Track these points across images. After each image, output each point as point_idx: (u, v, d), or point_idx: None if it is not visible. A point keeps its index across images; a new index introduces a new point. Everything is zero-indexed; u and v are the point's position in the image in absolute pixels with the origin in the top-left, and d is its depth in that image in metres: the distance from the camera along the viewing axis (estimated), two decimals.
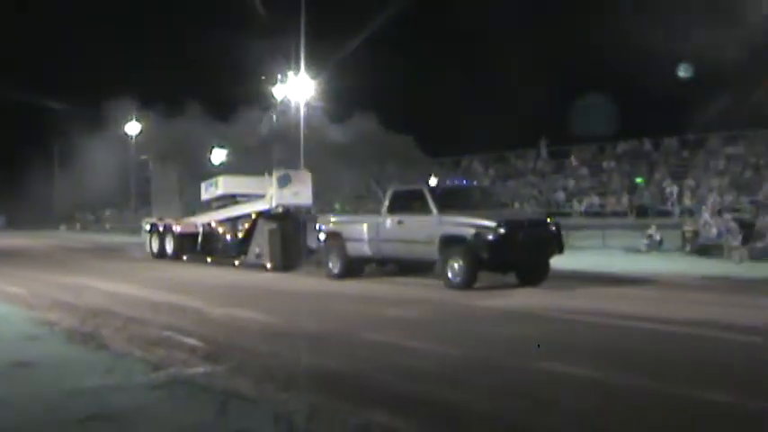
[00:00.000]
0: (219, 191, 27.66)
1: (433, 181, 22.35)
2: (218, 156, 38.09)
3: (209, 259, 27.08)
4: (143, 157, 33.96)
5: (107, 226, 65.16)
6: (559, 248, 18.72)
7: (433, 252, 18.29)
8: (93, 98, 57.97)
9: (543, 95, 47.15)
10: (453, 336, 11.89)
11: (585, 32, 43.87)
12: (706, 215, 27.66)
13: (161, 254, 29.49)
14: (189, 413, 7.16)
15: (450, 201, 19.27)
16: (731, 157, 34.68)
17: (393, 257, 20.53)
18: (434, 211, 18.56)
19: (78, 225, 68.98)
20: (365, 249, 20.46)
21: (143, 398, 7.67)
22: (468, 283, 17.48)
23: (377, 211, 20.86)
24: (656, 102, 42.16)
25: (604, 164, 40.17)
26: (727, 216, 27.18)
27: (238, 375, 8.66)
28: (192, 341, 10.98)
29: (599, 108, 40.77)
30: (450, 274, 17.75)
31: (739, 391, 8.01)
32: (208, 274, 23.41)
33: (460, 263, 17.59)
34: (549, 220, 20.89)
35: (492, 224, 17.46)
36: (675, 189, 33.25)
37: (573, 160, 42.18)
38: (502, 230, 17.32)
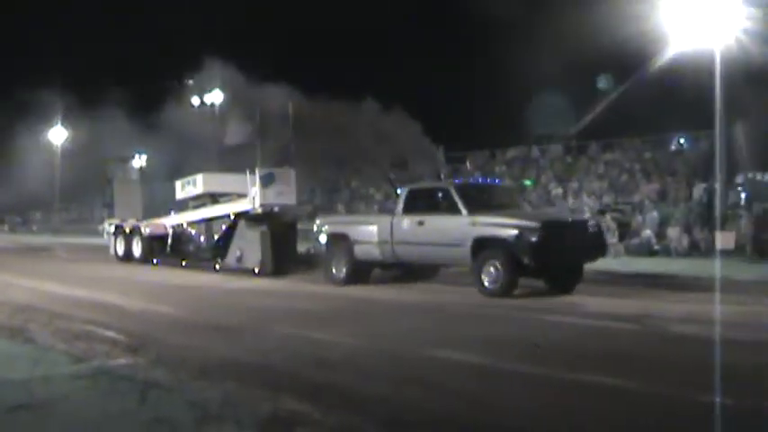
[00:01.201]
0: (198, 190, 24.41)
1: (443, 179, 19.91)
2: (139, 161, 36.75)
3: (183, 262, 24.02)
4: (108, 158, 31.62)
5: (34, 228, 63.75)
6: (602, 251, 16.65)
7: (463, 255, 15.86)
8: (20, 98, 55.90)
9: (444, 105, 47.65)
10: None
11: (479, 48, 44.41)
12: (587, 215, 28.33)
13: (128, 256, 26.34)
14: (111, 402, 7.09)
15: (477, 200, 16.77)
16: (608, 162, 35.48)
17: (410, 261, 17.90)
18: (464, 211, 16.05)
19: (6, 227, 67.24)
20: (376, 253, 17.77)
21: (68, 388, 7.59)
22: (507, 289, 15.17)
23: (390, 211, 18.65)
24: (543, 111, 42.79)
25: (496, 168, 40.66)
26: (606, 215, 27.85)
27: (158, 366, 8.63)
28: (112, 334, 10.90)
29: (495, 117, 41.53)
30: (486, 281, 15.37)
31: (619, 373, 8.34)
32: (178, 279, 20.52)
33: (499, 267, 15.18)
34: (589, 220, 18.51)
35: (535, 225, 15.16)
36: (560, 191, 33.91)
37: (468, 165, 42.64)
38: (547, 232, 15.03)
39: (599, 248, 16.46)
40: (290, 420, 6.57)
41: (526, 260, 15.05)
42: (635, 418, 6.85)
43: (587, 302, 14.71)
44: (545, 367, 8.68)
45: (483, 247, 15.58)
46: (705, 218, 26.50)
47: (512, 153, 41.45)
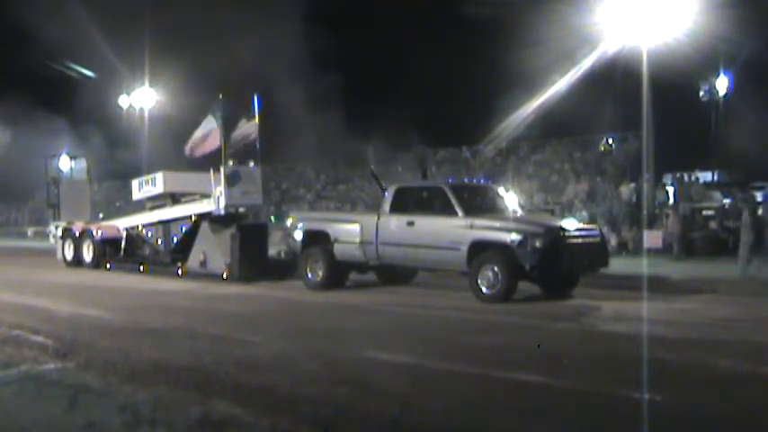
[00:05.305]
0: (158, 189, 22.79)
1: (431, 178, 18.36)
2: (66, 164, 35.46)
3: (141, 267, 22.31)
4: (53, 155, 30.10)
5: None
6: (605, 262, 15.73)
7: (458, 259, 15.07)
8: None
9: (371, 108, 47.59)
10: None
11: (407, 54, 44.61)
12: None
13: (77, 261, 24.75)
14: (40, 407, 6.99)
15: (471, 201, 16.16)
16: (538, 162, 35.95)
17: (395, 264, 17.06)
18: (460, 213, 15.30)
19: None
20: (358, 253, 16.77)
21: None
22: (506, 295, 14.49)
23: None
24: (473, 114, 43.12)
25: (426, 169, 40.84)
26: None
27: (87, 370, 8.49)
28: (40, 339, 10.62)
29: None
30: (483, 286, 14.65)
31: (551, 371, 8.46)
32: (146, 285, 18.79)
33: (498, 273, 14.47)
34: (593, 227, 17.08)
35: (539, 230, 14.71)
36: None
37: (399, 168, 42.74)
38: (551, 238, 14.59)
39: (601, 259, 15.71)
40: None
41: (528, 266, 14.50)
42: (564, 416, 6.95)
43: (521, 301, 14.88)
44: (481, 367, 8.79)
45: (481, 251, 14.91)
46: (633, 217, 27.04)
47: (442, 154, 41.69)
